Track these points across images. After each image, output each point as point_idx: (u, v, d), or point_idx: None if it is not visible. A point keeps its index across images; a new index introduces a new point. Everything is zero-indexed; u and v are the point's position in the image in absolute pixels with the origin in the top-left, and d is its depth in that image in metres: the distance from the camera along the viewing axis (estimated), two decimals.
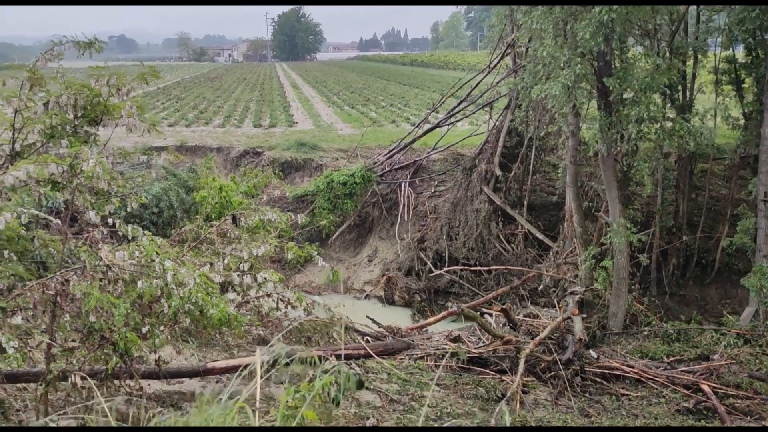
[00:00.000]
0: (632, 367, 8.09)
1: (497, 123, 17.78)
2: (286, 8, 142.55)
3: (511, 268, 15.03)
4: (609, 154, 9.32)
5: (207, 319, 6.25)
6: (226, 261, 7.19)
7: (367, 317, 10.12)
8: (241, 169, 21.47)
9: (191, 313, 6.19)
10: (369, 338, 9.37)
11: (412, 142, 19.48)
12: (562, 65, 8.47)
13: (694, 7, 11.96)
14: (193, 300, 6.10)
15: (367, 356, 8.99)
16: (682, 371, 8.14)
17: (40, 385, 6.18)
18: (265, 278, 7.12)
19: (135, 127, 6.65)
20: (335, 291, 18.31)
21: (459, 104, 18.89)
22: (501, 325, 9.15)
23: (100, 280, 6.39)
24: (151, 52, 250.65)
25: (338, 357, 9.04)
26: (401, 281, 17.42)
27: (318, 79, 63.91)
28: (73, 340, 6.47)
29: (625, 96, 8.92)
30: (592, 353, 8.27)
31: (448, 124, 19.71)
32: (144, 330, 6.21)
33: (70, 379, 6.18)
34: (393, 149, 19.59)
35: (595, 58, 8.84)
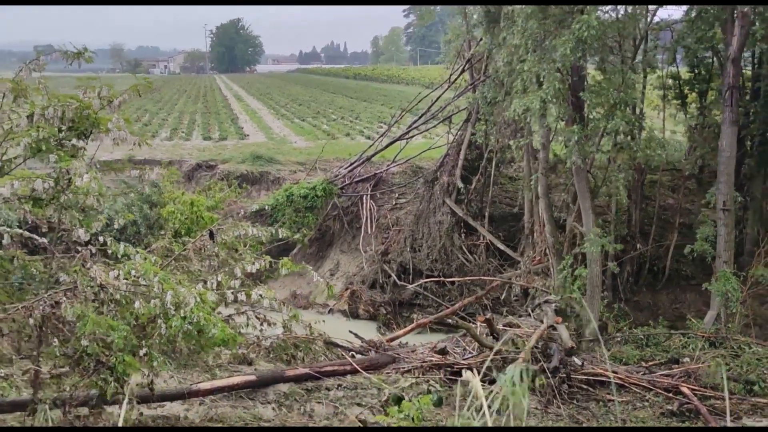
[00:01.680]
0: (616, 372, 8.35)
1: (457, 136, 18.08)
2: (225, 20, 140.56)
3: (485, 278, 15.22)
4: (583, 166, 9.70)
5: (207, 339, 6.02)
6: (219, 278, 6.96)
7: (350, 332, 10.02)
8: (193, 183, 20.93)
9: (190, 333, 5.95)
10: (353, 353, 9.27)
11: (374, 154, 19.55)
12: (540, 80, 8.75)
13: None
14: (195, 320, 5.87)
15: (354, 372, 8.89)
16: (661, 375, 8.47)
17: (28, 415, 5.79)
18: (261, 295, 6.94)
19: (124, 140, 6.39)
20: (297, 306, 18.03)
21: (420, 118, 19.11)
22: (484, 335, 9.26)
23: (93, 301, 6.07)
24: (81, 64, 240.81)
25: (324, 374, 8.93)
26: (365, 294, 17.36)
27: (261, 91, 63.18)
28: (62, 366, 6.08)
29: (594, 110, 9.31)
30: (576, 360, 8.49)
31: (409, 137, 19.90)
32: (141, 353, 5.92)
33: (62, 408, 5.83)
34: (355, 162, 19.59)
35: (569, 73, 9.20)
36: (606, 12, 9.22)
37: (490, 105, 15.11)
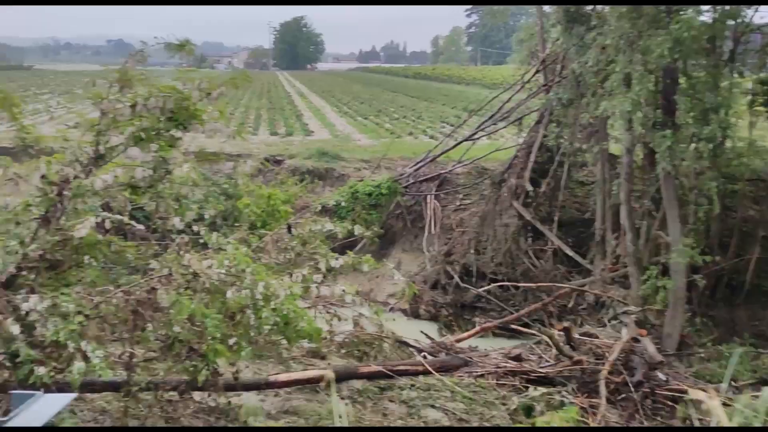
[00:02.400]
0: (704, 390, 7.95)
1: (527, 138, 17.72)
2: (288, 17, 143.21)
3: (556, 285, 14.84)
4: (673, 173, 9.30)
5: (294, 331, 6.05)
6: (304, 272, 7.00)
7: (421, 332, 9.94)
8: (261, 177, 21.29)
9: (278, 325, 6.00)
10: (425, 354, 9.19)
11: (441, 154, 19.42)
12: (630, 81, 8.44)
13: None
14: (284, 312, 5.92)
15: (426, 373, 8.80)
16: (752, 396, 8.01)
17: (123, 396, 5.97)
18: (344, 290, 6.94)
19: (220, 132, 6.51)
20: (357, 303, 18.08)
21: (490, 118, 18.83)
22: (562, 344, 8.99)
23: (186, 289, 6.20)
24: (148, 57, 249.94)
25: (396, 373, 8.87)
26: (427, 295, 17.24)
27: (323, 88, 63.91)
28: (154, 351, 6.25)
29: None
30: (660, 375, 8.13)
31: (476, 138, 19.66)
32: (230, 342, 6.01)
33: (154, 391, 5.99)
34: (420, 161, 19.50)
35: (661, 76, 8.84)
36: (704, 12, 8.80)
37: (565, 107, 14.72)
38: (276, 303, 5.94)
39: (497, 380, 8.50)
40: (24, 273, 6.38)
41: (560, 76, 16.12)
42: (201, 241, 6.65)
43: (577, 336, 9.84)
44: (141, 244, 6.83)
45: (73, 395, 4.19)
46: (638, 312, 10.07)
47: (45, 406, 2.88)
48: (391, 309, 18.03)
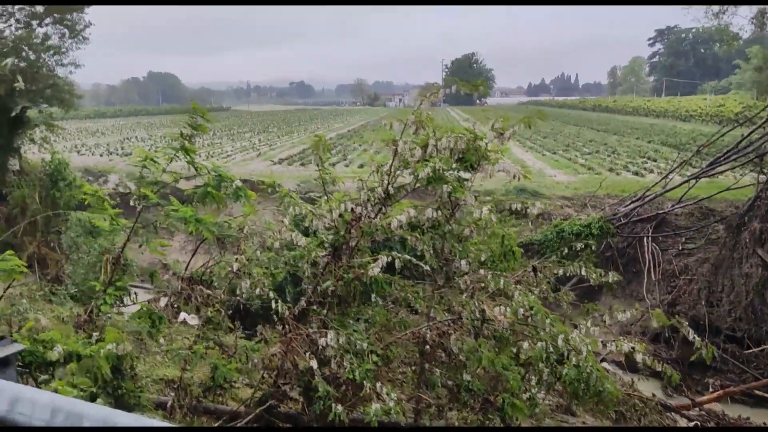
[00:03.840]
0: None
1: None
2: (458, 54, 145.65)
3: None
4: None
5: (594, 391, 5.50)
6: (588, 323, 6.45)
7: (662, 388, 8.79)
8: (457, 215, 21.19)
9: (578, 382, 5.48)
10: (696, 423, 8.07)
11: (663, 192, 17.81)
12: None
13: None
14: (588, 369, 5.40)
15: None
16: None
17: None
18: (633, 348, 6.26)
19: (508, 171, 6.27)
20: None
21: (725, 155, 16.91)
22: None
23: (476, 336, 5.96)
24: (325, 97, 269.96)
25: None
26: (647, 348, 15.65)
27: None
28: (439, 397, 6.09)
29: None
30: None
31: (704, 176, 17.75)
32: (524, 396, 5.63)
33: None
34: (637, 199, 18.05)
35: None
36: None
37: None
38: (578, 359, 5.45)
39: None
40: (314, 307, 6.61)
41: None
42: (482, 285, 6.41)
43: None
44: (417, 283, 6.79)
45: None
46: None
47: None
48: (603, 360, 16.70)
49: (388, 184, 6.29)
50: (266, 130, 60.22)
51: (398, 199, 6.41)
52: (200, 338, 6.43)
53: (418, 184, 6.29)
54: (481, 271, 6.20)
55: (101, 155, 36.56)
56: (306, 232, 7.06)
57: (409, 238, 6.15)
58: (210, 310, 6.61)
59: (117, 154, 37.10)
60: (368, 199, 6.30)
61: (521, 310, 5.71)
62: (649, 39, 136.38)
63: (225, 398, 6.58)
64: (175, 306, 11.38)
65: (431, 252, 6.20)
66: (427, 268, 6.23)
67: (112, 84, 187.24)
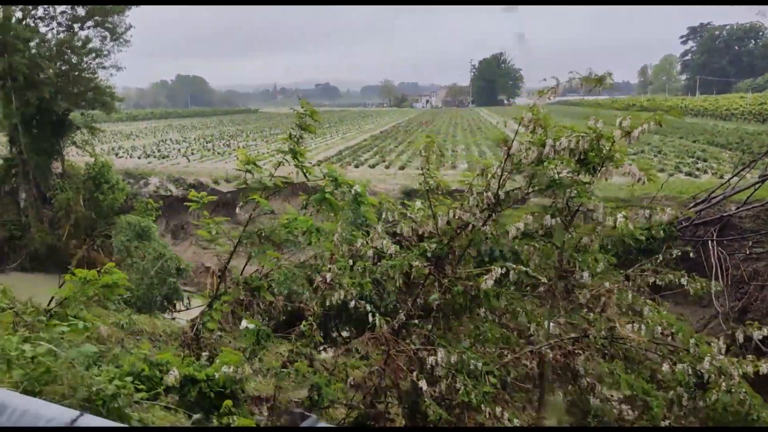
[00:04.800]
0: None
1: None
2: (487, 54, 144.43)
3: None
4: None
5: (748, 421, 4.94)
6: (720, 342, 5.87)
7: None
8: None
9: (730, 410, 4.92)
10: None
11: (730, 195, 17.00)
12: None
13: None
14: (742, 396, 4.84)
15: None
16: None
17: None
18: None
19: (633, 174, 5.72)
20: None
21: None
22: None
23: (604, 356, 5.43)
24: (350, 98, 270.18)
25: None
26: None
27: None
28: (561, 422, 5.58)
29: None
30: None
31: None
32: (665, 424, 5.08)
33: None
34: (701, 201, 17.28)
35: None
36: None
37: None
38: (729, 384, 4.89)
39: None
40: (416, 321, 6.14)
41: None
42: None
43: None
44: (524, 296, 6.28)
45: None
46: None
47: None
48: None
49: (498, 188, 5.80)
50: None
51: (509, 204, 5.92)
52: (294, 353, 6.01)
53: (533, 189, 5.80)
54: (606, 284, 5.67)
55: (139, 158, 36.71)
56: (399, 242, 6.60)
57: (525, 247, 5.65)
58: (303, 323, 6.18)
59: (155, 157, 37.22)
60: (477, 205, 5.82)
61: (658, 328, 5.17)
62: (682, 37, 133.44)
63: (319, 418, 6.12)
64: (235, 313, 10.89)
65: (549, 262, 5.69)
66: (544, 280, 5.72)
67: (141, 87, 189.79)
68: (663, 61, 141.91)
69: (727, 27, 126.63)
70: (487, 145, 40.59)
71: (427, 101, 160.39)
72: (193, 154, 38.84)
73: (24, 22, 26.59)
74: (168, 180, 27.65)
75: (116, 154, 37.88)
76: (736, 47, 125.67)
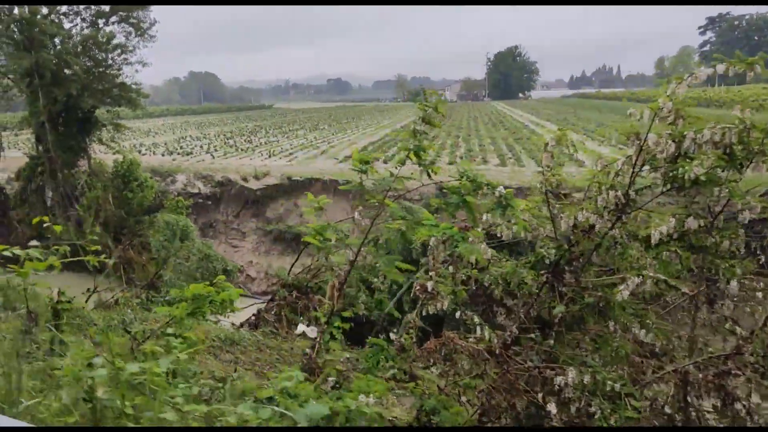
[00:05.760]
0: None
1: None
2: (502, 48, 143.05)
3: None
4: None
5: None
6: None
7: None
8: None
9: None
10: None
11: None
12: None
13: None
14: None
15: None
16: None
17: None
18: None
19: None
20: None
21: None
22: None
23: (762, 375, 4.81)
24: (362, 93, 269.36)
25: None
26: None
27: (551, 117, 61.47)
28: None
29: None
30: None
31: None
32: None
33: None
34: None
35: None
36: None
37: None
38: None
39: None
40: (533, 335, 5.55)
41: None
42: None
43: None
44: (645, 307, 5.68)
45: None
46: None
47: None
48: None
49: (629, 186, 5.19)
50: (317, 127, 59.59)
51: (641, 205, 5.30)
52: (398, 370, 5.43)
53: (669, 186, 5.17)
54: (759, 294, 5.04)
55: (162, 155, 36.36)
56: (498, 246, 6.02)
57: (665, 254, 5.03)
58: (404, 336, 5.61)
59: (178, 153, 36.85)
60: (605, 206, 5.21)
61: None
62: (700, 27, 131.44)
63: None
64: (284, 314, 10.23)
65: (693, 269, 5.08)
66: (685, 290, 5.11)
67: (154, 84, 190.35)
68: (680, 52, 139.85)
69: (747, 17, 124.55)
70: (514, 138, 39.86)
71: (442, 95, 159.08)
72: (216, 150, 38.43)
73: (49, 18, 26.24)
74: (195, 177, 27.21)
75: (139, 151, 37.59)
76: (756, 37, 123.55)
